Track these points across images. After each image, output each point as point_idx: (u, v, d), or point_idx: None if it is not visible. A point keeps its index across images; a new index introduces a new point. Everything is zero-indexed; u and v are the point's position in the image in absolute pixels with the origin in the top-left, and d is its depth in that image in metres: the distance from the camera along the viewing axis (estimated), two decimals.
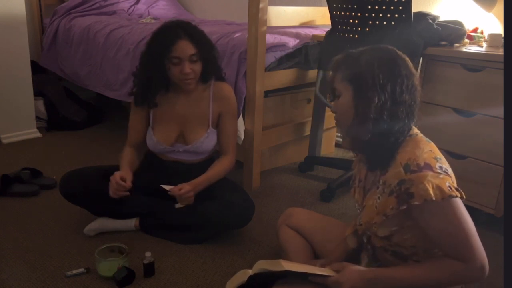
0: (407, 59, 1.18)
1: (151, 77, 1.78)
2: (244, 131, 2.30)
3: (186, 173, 1.85)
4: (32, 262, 1.67)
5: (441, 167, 1.10)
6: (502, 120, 1.82)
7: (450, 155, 2.03)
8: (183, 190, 1.73)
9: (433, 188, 1.06)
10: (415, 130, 1.20)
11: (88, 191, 1.81)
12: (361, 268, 1.21)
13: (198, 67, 1.76)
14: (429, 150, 1.12)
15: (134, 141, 1.94)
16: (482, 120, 1.91)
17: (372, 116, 1.12)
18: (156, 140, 1.87)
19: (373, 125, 1.12)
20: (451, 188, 1.08)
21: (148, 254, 1.60)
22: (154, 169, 1.94)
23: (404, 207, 1.10)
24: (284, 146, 2.66)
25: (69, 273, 1.59)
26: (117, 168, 1.94)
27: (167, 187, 1.76)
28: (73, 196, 1.84)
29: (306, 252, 1.53)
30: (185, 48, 1.71)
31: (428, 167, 1.08)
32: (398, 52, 1.17)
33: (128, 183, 1.73)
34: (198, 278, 1.62)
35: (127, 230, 1.87)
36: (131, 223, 1.87)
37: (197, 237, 1.82)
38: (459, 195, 1.08)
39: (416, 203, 1.07)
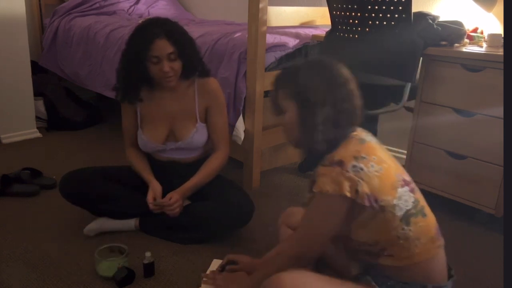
0: (342, 66, 1.24)
1: (132, 75, 1.79)
2: (244, 131, 2.30)
3: (183, 173, 1.86)
4: (32, 262, 1.68)
5: (354, 166, 1.14)
6: (502, 120, 1.82)
7: (450, 155, 2.03)
8: (167, 208, 1.77)
9: (333, 182, 1.13)
10: (357, 131, 1.25)
11: (88, 192, 1.81)
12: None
13: (177, 65, 1.76)
14: (355, 150, 1.18)
15: (133, 140, 1.93)
16: (482, 120, 1.91)
17: (318, 128, 1.20)
18: (146, 140, 1.87)
19: (320, 135, 1.20)
20: (350, 189, 1.12)
21: (148, 254, 1.60)
22: (152, 170, 1.93)
23: (311, 195, 1.19)
24: (284, 146, 2.66)
25: None
26: (117, 169, 1.93)
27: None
28: (73, 196, 1.84)
29: None
30: (163, 46, 1.70)
31: (340, 163, 1.15)
32: (333, 61, 1.25)
33: (161, 198, 1.80)
34: (198, 278, 1.61)
35: (127, 230, 1.87)
36: (131, 223, 1.87)
37: (197, 237, 1.82)
38: (351, 196, 1.12)
39: (314, 190, 1.16)
